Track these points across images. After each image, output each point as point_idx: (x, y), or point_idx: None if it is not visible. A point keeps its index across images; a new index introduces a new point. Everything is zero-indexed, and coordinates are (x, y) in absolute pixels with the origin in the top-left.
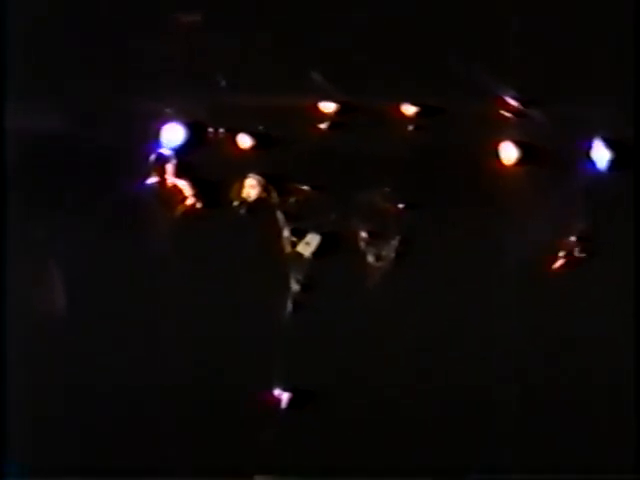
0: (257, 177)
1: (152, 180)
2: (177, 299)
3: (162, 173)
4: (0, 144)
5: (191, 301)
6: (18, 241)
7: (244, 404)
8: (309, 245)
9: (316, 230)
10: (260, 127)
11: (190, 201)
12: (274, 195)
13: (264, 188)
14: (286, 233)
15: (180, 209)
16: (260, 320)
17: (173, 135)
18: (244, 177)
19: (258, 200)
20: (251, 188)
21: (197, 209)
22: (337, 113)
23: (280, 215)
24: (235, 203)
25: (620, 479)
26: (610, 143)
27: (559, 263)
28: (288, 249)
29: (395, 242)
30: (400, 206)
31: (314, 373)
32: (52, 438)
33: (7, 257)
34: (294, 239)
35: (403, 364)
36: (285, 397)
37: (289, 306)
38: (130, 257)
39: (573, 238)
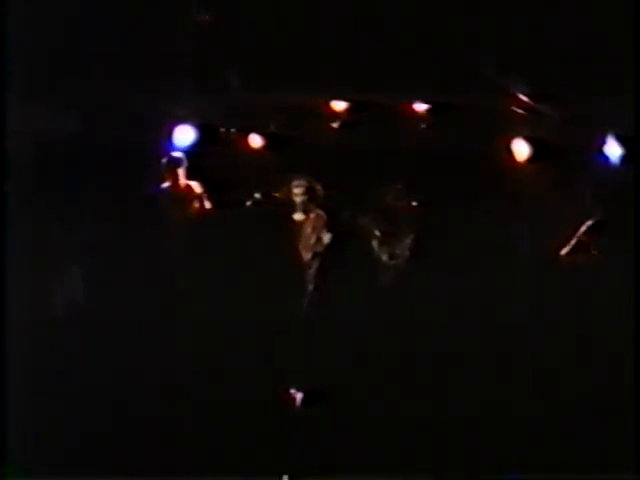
0: (302, 182)
1: (165, 182)
2: (189, 300)
3: (175, 174)
4: (16, 147)
5: (204, 302)
6: (33, 242)
7: (259, 402)
8: (321, 243)
9: (329, 229)
10: (272, 127)
11: (201, 201)
12: (320, 196)
13: (307, 189)
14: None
15: (193, 209)
16: (274, 319)
17: (185, 136)
18: (290, 180)
19: (273, 199)
20: (300, 193)
21: (211, 209)
22: (349, 111)
23: (298, 215)
24: (248, 203)
25: (620, 479)
26: (622, 139)
27: (571, 256)
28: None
29: (409, 240)
30: (413, 204)
31: (328, 372)
32: (52, 438)
33: (18, 258)
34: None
35: (417, 362)
36: (299, 396)
37: (303, 305)
38: (144, 258)
39: (585, 233)
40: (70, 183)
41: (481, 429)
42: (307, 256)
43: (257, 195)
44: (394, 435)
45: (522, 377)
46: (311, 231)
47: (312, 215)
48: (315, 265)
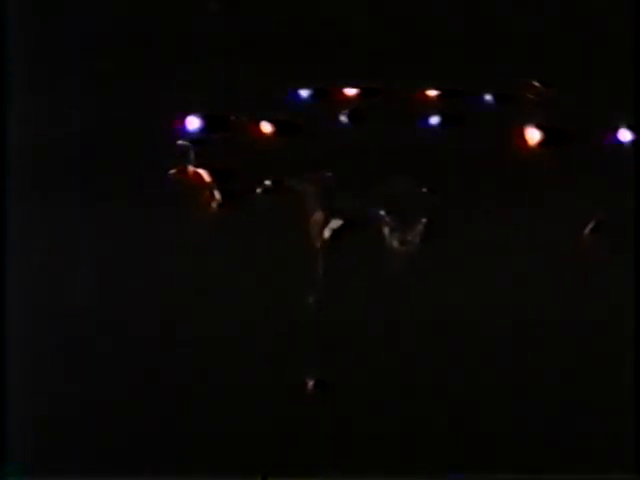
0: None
1: (173, 171)
2: (195, 293)
3: (184, 163)
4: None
5: (209, 293)
6: (32, 241)
7: (269, 390)
8: (332, 230)
9: (340, 215)
10: (281, 114)
11: (210, 189)
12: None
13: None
14: (315, 218)
15: (203, 198)
16: (285, 307)
17: (193, 125)
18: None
19: (284, 188)
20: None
21: (220, 197)
22: (360, 98)
23: (309, 202)
24: (258, 190)
25: (620, 479)
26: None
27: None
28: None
29: (420, 226)
30: (424, 190)
31: (339, 360)
32: (52, 438)
33: (18, 258)
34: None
35: (426, 351)
36: (310, 383)
37: (315, 292)
38: (147, 254)
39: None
40: (71, 181)
41: (481, 428)
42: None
43: (267, 182)
44: (402, 423)
45: (522, 377)
46: (312, 230)
47: (312, 218)
48: (320, 259)
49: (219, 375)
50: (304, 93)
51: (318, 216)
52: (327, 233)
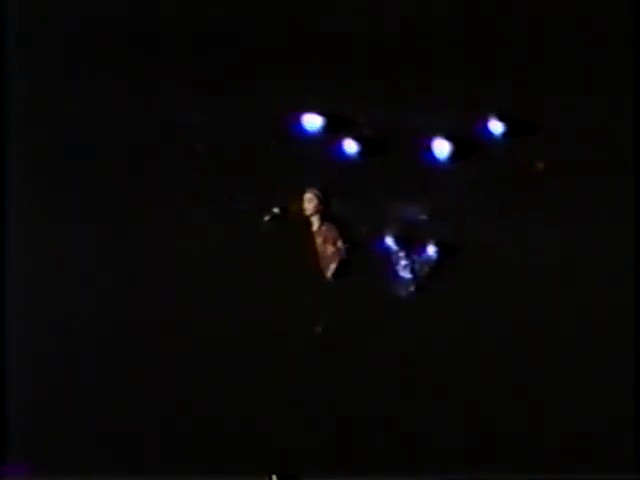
0: (315, 191)
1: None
2: (195, 293)
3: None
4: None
5: (218, 315)
6: (34, 241)
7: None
8: (338, 254)
9: (348, 242)
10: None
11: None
12: (333, 206)
13: (320, 201)
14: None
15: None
16: (292, 335)
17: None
18: (302, 191)
19: (291, 214)
20: (309, 202)
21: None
22: (367, 125)
23: (320, 229)
24: (266, 218)
25: (620, 479)
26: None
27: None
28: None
29: (429, 255)
30: (433, 217)
31: (346, 386)
32: (52, 438)
33: (18, 258)
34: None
35: (428, 353)
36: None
37: (322, 318)
38: (147, 264)
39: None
40: (71, 181)
41: (481, 429)
42: (325, 269)
43: (275, 210)
44: (404, 445)
45: (522, 377)
46: (322, 242)
47: (323, 227)
48: (331, 277)
49: (219, 375)
50: (312, 119)
51: (328, 243)
52: (334, 257)
